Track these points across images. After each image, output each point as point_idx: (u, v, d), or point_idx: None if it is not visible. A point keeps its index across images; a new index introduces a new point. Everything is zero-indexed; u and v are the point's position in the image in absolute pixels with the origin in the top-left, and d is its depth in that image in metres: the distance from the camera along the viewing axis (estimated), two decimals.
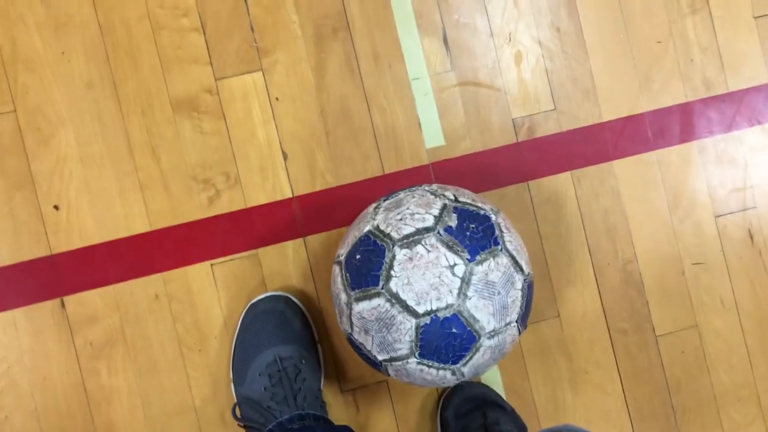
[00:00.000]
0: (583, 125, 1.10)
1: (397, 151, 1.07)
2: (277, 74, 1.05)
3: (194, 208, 1.03)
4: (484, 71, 1.09)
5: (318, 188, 1.05)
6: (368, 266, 0.83)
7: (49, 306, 1.01)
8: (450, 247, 0.81)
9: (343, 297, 0.86)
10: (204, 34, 1.04)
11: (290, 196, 1.05)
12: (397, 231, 0.83)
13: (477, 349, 0.83)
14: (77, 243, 1.01)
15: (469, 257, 0.81)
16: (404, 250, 0.82)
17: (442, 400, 1.05)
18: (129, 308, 1.02)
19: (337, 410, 1.04)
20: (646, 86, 1.11)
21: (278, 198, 1.05)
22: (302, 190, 1.05)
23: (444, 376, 0.85)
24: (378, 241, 0.84)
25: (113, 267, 1.02)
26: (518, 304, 0.84)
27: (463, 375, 0.85)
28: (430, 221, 0.83)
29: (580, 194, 1.10)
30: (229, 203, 1.04)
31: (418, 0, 1.08)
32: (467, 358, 0.83)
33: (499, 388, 1.07)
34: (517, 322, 0.85)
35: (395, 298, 0.81)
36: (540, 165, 1.09)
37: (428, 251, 0.81)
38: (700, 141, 1.11)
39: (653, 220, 1.10)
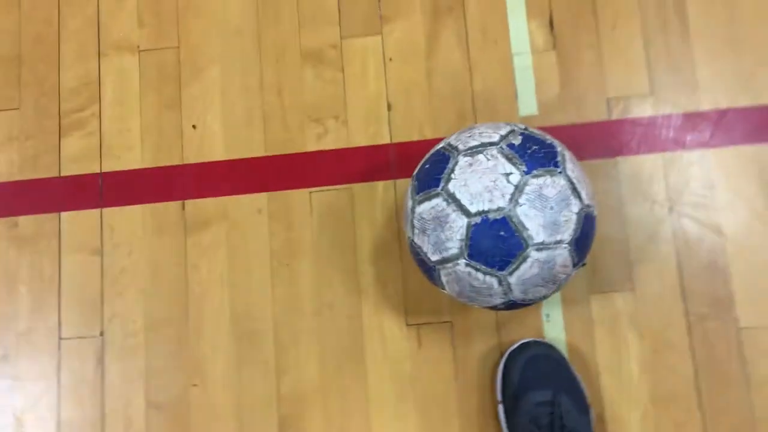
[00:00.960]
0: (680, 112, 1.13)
1: (492, 115, 1.15)
2: (394, 39, 1.20)
3: (305, 142, 1.18)
4: (587, 52, 1.16)
5: (414, 138, 1.16)
6: (433, 172, 0.92)
7: (173, 206, 1.18)
8: (509, 159, 0.88)
9: (409, 203, 0.94)
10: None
11: (388, 142, 1.16)
12: (464, 144, 0.91)
13: (524, 258, 0.86)
14: (205, 158, 1.19)
15: (525, 170, 0.87)
16: (466, 158, 0.89)
17: (506, 356, 1.07)
18: (236, 218, 1.16)
19: (400, 342, 1.10)
20: (749, 82, 1.12)
21: (378, 143, 1.16)
22: (400, 138, 1.16)
23: (491, 284, 0.89)
24: (446, 152, 0.92)
25: (230, 181, 1.18)
26: (572, 226, 0.88)
27: (510, 288, 0.89)
28: (495, 138, 0.91)
29: (670, 178, 1.11)
30: (334, 141, 1.17)
31: None
32: (514, 265, 0.87)
33: (562, 346, 1.07)
34: (569, 244, 0.88)
35: (452, 198, 0.88)
36: (631, 144, 1.12)
37: (488, 159, 0.88)
38: None
39: (746, 209, 1.08)
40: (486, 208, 0.86)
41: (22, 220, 1.20)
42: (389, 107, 1.17)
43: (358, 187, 1.15)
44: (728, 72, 1.13)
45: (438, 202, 0.90)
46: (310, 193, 1.16)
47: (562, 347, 1.08)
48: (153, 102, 1.22)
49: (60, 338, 1.16)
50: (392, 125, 1.17)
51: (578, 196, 0.90)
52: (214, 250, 1.16)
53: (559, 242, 0.88)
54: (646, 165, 1.12)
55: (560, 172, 0.89)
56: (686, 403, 1.05)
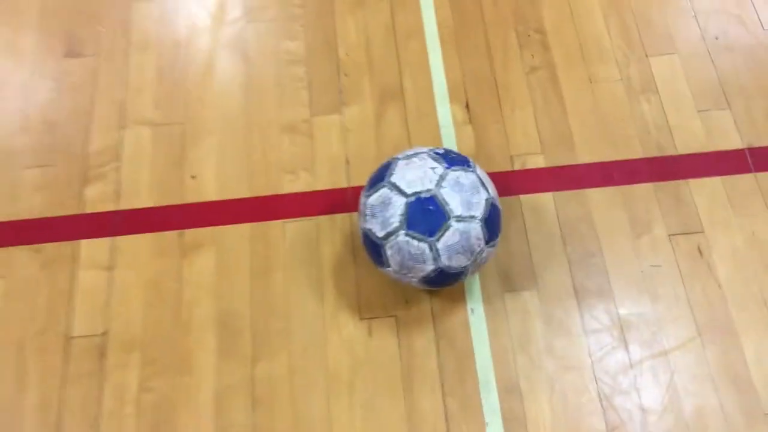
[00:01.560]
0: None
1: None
2: (350, 117, 1.58)
3: (282, 186, 1.50)
4: (494, 125, 1.56)
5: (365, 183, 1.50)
6: (379, 173, 1.26)
7: (172, 235, 1.46)
8: (435, 159, 1.23)
9: (362, 200, 1.26)
10: (310, 89, 1.62)
11: (346, 186, 1.50)
12: (402, 154, 1.26)
13: (447, 227, 1.18)
14: (201, 198, 1.50)
15: (446, 165, 1.22)
16: (403, 161, 1.24)
17: None
18: (224, 242, 1.45)
19: (354, 333, 1.35)
20: (613, 142, 1.52)
21: (338, 186, 1.50)
22: (355, 183, 1.50)
23: (424, 249, 1.19)
24: (388, 161, 1.27)
25: (220, 215, 1.48)
26: (481, 207, 1.21)
27: (438, 254, 1.19)
28: (425, 149, 1.26)
29: (558, 210, 1.46)
30: (304, 186, 1.50)
31: (451, 82, 1.61)
32: (440, 233, 1.18)
33: (484, 333, 1.34)
34: (481, 221, 1.20)
35: (393, 186, 1.21)
36: (528, 186, 1.49)
37: (419, 160, 1.23)
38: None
39: (616, 232, 1.43)
40: (418, 190, 1.19)
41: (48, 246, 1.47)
42: (347, 162, 1.53)
43: (322, 219, 1.47)
44: (595, 137, 1.54)
45: (383, 191, 1.22)
46: (284, 223, 1.47)
47: (485, 334, 1.34)
48: (161, 161, 1.55)
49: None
50: (349, 174, 1.51)
51: (486, 189, 1.24)
52: (205, 266, 1.43)
53: (473, 217, 1.20)
54: (540, 200, 1.48)
55: (472, 171, 1.24)
56: (581, 374, 1.31)
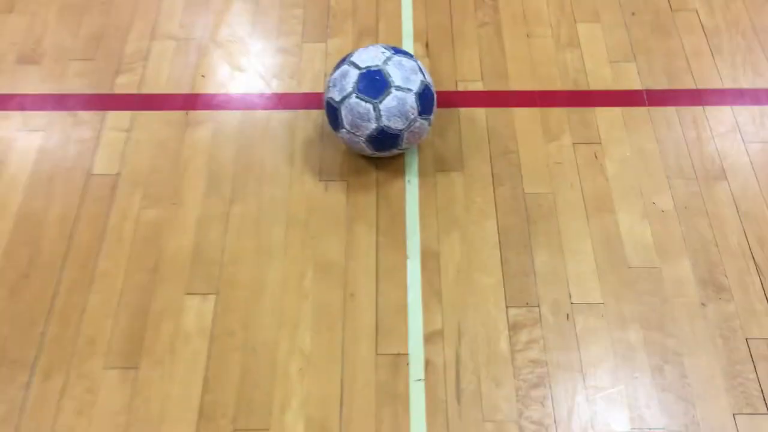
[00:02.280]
0: None
1: None
2: (333, 45, 1.98)
3: (269, 87, 1.89)
4: (447, 59, 1.95)
5: None
6: (342, 58, 1.65)
7: (180, 113, 1.84)
8: (385, 48, 1.62)
9: (328, 77, 1.64)
10: (303, 25, 2.02)
11: (321, 91, 1.88)
12: (360, 47, 1.65)
13: (388, 93, 1.56)
14: (207, 91, 1.88)
15: (393, 52, 1.61)
16: (362, 48, 1.63)
17: None
18: (221, 122, 1.82)
19: (314, 189, 1.70)
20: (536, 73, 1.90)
21: (315, 91, 1.88)
22: None
23: (369, 109, 1.56)
24: (350, 52, 1.65)
25: (223, 104, 1.86)
26: (417, 84, 1.59)
27: (380, 114, 1.55)
28: (380, 44, 1.64)
29: (488, 120, 1.82)
30: (288, 88, 1.89)
31: (416, 28, 2.01)
32: (382, 96, 1.55)
33: (415, 198, 1.68)
34: (415, 95, 1.58)
35: (351, 63, 1.60)
36: (464, 103, 1.86)
37: (373, 48, 1.63)
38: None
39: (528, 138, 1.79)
40: (369, 65, 1.58)
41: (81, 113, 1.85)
42: (325, 75, 1.91)
43: (300, 112, 1.85)
44: (525, 74, 1.92)
45: (343, 67, 1.62)
46: (270, 113, 1.84)
47: (416, 198, 1.68)
48: (180, 64, 1.95)
49: None
50: (326, 84, 1.90)
51: (422, 74, 1.62)
52: (203, 137, 1.80)
53: (409, 90, 1.58)
54: (475, 113, 1.84)
55: (413, 60, 1.63)
56: (488, 225, 1.64)
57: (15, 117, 1.86)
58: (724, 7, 2.12)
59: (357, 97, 1.58)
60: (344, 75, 1.62)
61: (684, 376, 1.45)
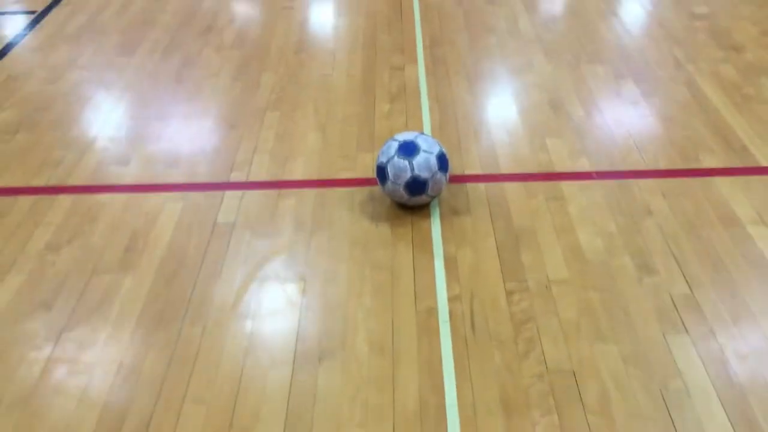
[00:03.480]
0: None
1: None
2: None
3: None
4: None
5: None
6: (389, 139, 2.51)
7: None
8: (416, 132, 2.49)
9: (380, 150, 2.49)
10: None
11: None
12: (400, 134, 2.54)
13: (419, 153, 2.42)
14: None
15: (420, 133, 2.48)
16: (402, 132, 2.50)
17: None
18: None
19: (367, 227, 2.45)
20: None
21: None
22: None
23: (405, 165, 2.39)
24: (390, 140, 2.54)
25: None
26: (436, 150, 2.45)
27: (413, 167, 2.37)
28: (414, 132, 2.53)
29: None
30: None
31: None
32: (415, 155, 2.40)
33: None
34: (436, 156, 2.43)
35: (394, 139, 2.50)
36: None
37: (407, 132, 2.49)
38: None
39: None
40: (405, 138, 2.47)
41: None
42: None
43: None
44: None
45: (389, 142, 2.50)
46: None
47: (438, 229, 2.44)
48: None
49: None
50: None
51: (440, 146, 2.48)
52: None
53: (432, 152, 2.44)
54: (477, 186, 2.66)
55: (434, 139, 2.49)
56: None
57: (168, 194, 2.74)
58: None
59: (398, 158, 2.44)
60: (389, 146, 2.50)
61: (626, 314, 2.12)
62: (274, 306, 2.22)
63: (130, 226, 2.56)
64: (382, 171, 2.51)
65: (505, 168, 2.82)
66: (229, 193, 2.73)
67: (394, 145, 2.50)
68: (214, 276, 2.33)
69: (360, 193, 2.71)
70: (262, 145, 3.02)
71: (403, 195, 2.51)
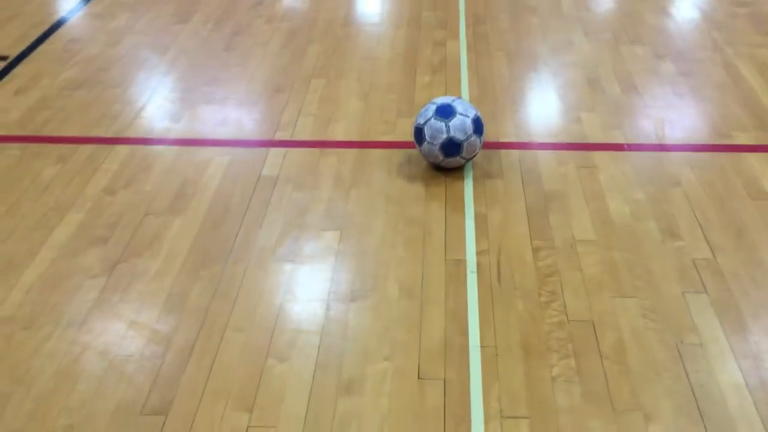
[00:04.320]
0: None
1: None
2: None
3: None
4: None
5: None
6: (428, 103, 2.63)
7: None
8: (453, 97, 2.60)
9: (418, 113, 2.61)
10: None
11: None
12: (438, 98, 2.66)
13: (455, 115, 2.53)
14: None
15: (457, 97, 2.58)
16: (436, 99, 2.61)
17: None
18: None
19: (403, 185, 2.57)
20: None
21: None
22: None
23: (442, 127, 2.51)
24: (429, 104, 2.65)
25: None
26: (472, 113, 2.57)
27: (449, 129, 2.48)
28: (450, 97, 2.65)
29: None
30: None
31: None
32: (451, 118, 2.51)
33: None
34: (472, 120, 2.54)
35: (432, 102, 2.62)
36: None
37: (446, 97, 2.60)
38: None
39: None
40: (443, 101, 2.57)
41: None
42: None
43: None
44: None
45: (427, 105, 2.62)
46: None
47: (471, 190, 2.54)
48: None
49: None
50: None
51: (476, 110, 2.58)
52: None
53: (467, 116, 2.54)
54: (511, 152, 2.76)
55: (471, 104, 2.59)
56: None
57: (216, 149, 2.90)
58: None
59: (435, 119, 2.56)
60: (426, 109, 2.62)
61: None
62: (311, 251, 2.36)
63: (181, 176, 2.73)
64: (419, 132, 2.62)
65: (539, 137, 2.92)
66: (274, 151, 2.88)
67: (432, 108, 2.61)
68: (257, 223, 2.48)
69: (398, 154, 2.83)
70: (307, 108, 3.17)
71: (438, 155, 2.61)
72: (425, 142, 2.61)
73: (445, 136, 2.57)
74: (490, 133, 2.90)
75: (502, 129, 2.97)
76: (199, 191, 2.64)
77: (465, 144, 2.58)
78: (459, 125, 2.56)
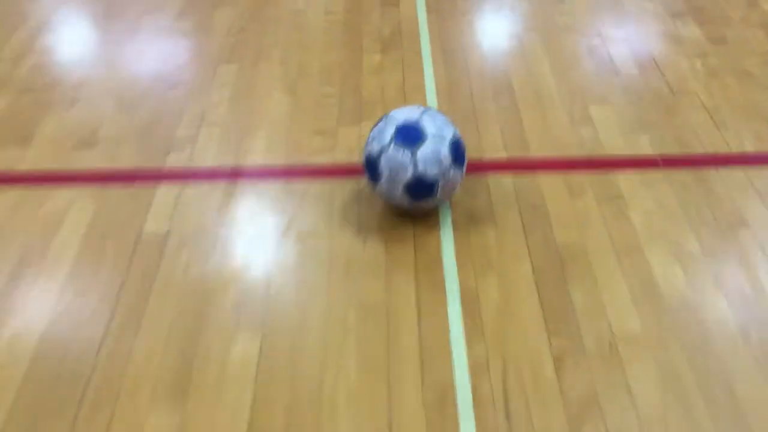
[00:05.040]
0: None
1: None
2: (365, 127, 2.14)
3: (309, 158, 2.02)
4: None
5: None
6: (381, 118, 1.78)
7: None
8: (418, 106, 1.76)
9: (368, 135, 1.77)
10: (339, 110, 2.21)
11: (356, 161, 2.01)
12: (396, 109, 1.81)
13: (424, 141, 1.68)
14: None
15: (426, 109, 1.75)
16: (396, 109, 1.77)
17: None
18: None
19: (351, 243, 1.77)
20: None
21: (350, 161, 2.01)
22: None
23: (405, 159, 1.67)
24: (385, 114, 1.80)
25: (265, 174, 1.98)
26: (449, 136, 1.72)
27: (416, 162, 1.66)
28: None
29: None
30: (327, 159, 2.02)
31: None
32: (419, 145, 1.67)
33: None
34: (448, 145, 1.70)
35: (389, 118, 1.75)
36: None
37: (407, 107, 1.77)
38: None
39: None
40: (406, 117, 1.72)
41: None
42: (359, 151, 2.06)
43: (337, 181, 1.97)
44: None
45: (381, 124, 1.77)
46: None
47: (452, 247, 1.75)
48: (226, 144, 2.11)
49: None
50: (359, 157, 2.04)
51: (453, 128, 1.75)
52: None
53: (443, 138, 1.70)
54: (502, 178, 1.96)
55: (444, 115, 1.77)
56: None
57: (70, 190, 1.99)
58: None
59: (395, 147, 1.71)
60: (382, 130, 1.75)
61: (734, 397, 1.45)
62: (215, 378, 1.52)
63: (18, 241, 1.83)
64: (372, 165, 1.76)
65: (537, 148, 2.09)
66: (163, 189, 1.98)
67: (390, 129, 1.74)
68: (131, 328, 1.62)
69: (340, 189, 1.97)
70: (212, 113, 2.26)
71: (402, 199, 1.78)
72: (382, 180, 1.76)
73: (410, 172, 1.72)
74: (470, 146, 2.05)
75: (486, 139, 2.13)
76: (48, 262, 1.77)
77: (440, 182, 1.74)
78: (431, 155, 1.71)
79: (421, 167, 1.70)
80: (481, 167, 2.02)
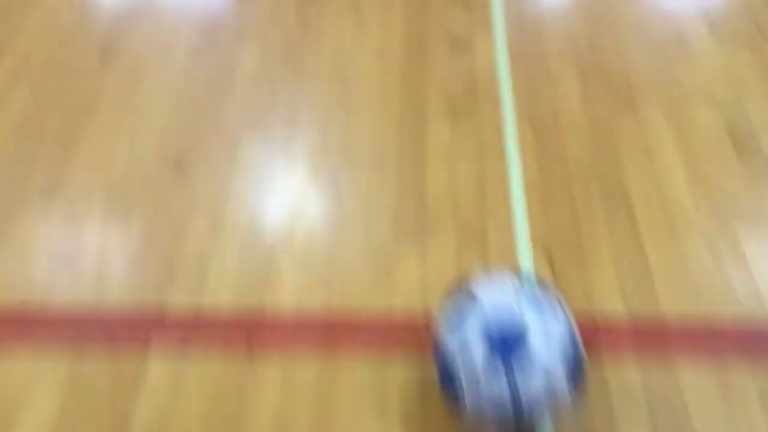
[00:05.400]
0: None
1: None
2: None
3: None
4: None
5: None
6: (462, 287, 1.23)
7: None
8: (513, 289, 1.20)
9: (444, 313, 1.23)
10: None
11: None
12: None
13: (529, 363, 1.12)
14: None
15: (520, 291, 1.19)
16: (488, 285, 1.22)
17: None
18: None
19: None
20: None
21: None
22: None
23: (500, 387, 1.12)
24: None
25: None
26: (563, 339, 1.15)
27: (517, 392, 1.12)
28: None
29: None
30: None
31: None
32: (522, 361, 1.12)
33: None
34: (565, 364, 1.14)
35: (478, 312, 1.17)
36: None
37: (502, 288, 1.20)
38: None
39: None
40: (496, 320, 1.15)
41: None
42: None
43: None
44: None
45: (465, 311, 1.19)
46: None
47: None
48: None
49: None
50: None
51: (570, 332, 1.18)
52: None
53: (554, 361, 1.13)
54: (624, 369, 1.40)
55: (556, 306, 1.20)
56: None
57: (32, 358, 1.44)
58: None
59: (483, 361, 1.12)
60: (461, 317, 1.18)
61: None
62: None
63: None
64: (448, 379, 1.20)
65: (670, 304, 1.50)
66: (156, 354, 1.45)
67: (474, 322, 1.16)
68: None
69: (395, 372, 1.40)
70: (221, 214, 1.66)
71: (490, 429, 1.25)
72: (463, 403, 1.19)
73: (509, 406, 1.16)
74: (570, 297, 1.47)
75: (599, 287, 1.53)
76: None
77: (546, 413, 1.22)
78: (540, 386, 1.13)
79: (524, 397, 1.14)
80: (592, 339, 1.45)
